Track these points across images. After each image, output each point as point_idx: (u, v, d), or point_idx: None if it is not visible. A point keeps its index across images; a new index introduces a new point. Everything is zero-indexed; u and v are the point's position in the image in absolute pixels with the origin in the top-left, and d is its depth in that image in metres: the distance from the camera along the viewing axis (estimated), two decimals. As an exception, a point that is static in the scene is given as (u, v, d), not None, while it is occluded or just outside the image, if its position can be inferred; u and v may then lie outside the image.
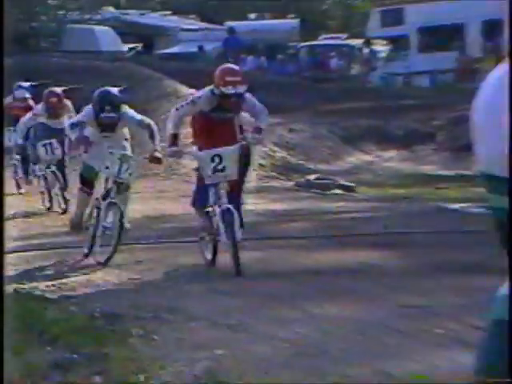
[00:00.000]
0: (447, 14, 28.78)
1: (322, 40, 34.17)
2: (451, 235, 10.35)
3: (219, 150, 8.84)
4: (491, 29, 27.42)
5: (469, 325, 6.33)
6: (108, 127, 9.58)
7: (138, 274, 8.92)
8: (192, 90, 21.79)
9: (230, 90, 8.85)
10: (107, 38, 30.11)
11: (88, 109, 9.70)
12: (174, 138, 9.07)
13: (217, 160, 8.79)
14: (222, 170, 8.80)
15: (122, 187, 9.39)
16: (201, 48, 31.89)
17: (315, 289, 8.00)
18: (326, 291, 7.86)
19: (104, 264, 9.15)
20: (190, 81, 21.17)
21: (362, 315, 7.22)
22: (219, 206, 8.82)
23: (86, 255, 9.52)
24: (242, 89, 8.95)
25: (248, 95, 9.13)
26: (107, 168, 9.32)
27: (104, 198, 9.41)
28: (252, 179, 13.25)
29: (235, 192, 9.10)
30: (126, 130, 9.93)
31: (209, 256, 9.05)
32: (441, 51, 28.68)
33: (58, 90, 14.18)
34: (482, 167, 2.38)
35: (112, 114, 9.39)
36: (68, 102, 14.03)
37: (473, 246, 8.89)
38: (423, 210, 12.73)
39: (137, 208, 11.38)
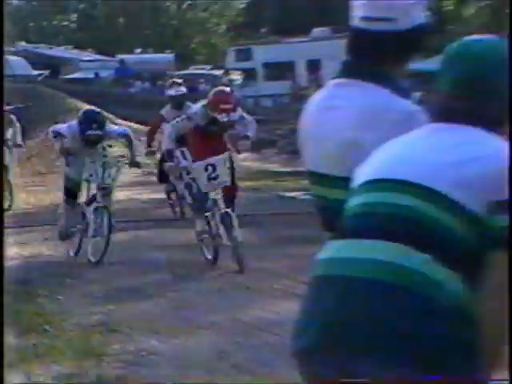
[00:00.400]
0: (283, 53, 30.32)
1: (193, 70, 34.64)
2: (289, 216, 10.46)
3: (211, 160, 7.50)
4: (313, 66, 29.13)
5: (300, 281, 6.41)
6: (91, 143, 7.94)
7: (51, 250, 8.68)
8: (90, 106, 21.56)
9: (223, 117, 7.51)
10: (20, 66, 29.29)
11: (73, 124, 8.06)
12: (170, 154, 7.76)
13: (210, 169, 7.46)
14: (215, 178, 7.47)
15: (106, 192, 7.98)
16: (97, 74, 31.76)
17: (186, 259, 7.96)
18: (194, 261, 7.83)
19: (98, 263, 7.65)
20: (89, 99, 20.84)
21: (223, 277, 7.24)
22: (218, 211, 7.49)
23: (75, 255, 8.03)
24: (235, 116, 7.63)
25: (239, 113, 7.80)
26: (91, 176, 7.90)
27: (88, 204, 8.01)
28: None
29: (230, 195, 7.99)
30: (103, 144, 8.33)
31: (209, 256, 7.65)
32: (279, 80, 29.59)
33: (7, 107, 13.34)
34: (307, 166, 2.45)
35: (99, 132, 7.83)
36: (13, 117, 13.24)
37: (304, 224, 9.00)
38: (269, 197, 12.84)
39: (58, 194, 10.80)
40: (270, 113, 24.83)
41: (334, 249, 2.01)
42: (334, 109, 2.24)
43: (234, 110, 7.66)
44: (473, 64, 1.96)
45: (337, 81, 2.29)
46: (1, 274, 5.47)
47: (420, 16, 2.20)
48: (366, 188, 2.00)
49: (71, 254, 8.12)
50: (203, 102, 7.82)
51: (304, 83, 28.94)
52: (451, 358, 1.82)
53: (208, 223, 7.66)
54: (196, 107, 7.95)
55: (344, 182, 2.14)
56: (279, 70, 30.59)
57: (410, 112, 2.15)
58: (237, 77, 31.31)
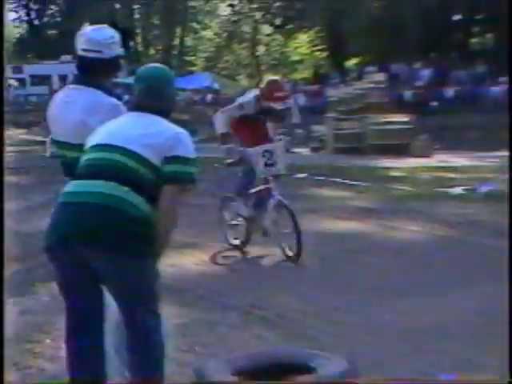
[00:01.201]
0: (43, 70, 28.84)
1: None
2: (43, 168, 8.69)
3: (269, 146, 4.49)
4: (62, 78, 26.87)
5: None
6: None
7: None
8: None
9: (280, 105, 4.42)
10: None
11: None
12: (225, 137, 4.46)
13: (267, 155, 4.44)
14: (272, 164, 4.41)
15: None
16: None
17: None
18: None
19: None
20: None
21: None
22: (272, 198, 4.28)
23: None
24: (290, 103, 4.61)
25: (292, 102, 4.91)
26: None
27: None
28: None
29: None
30: None
31: (234, 241, 4.39)
32: (41, 86, 27.90)
33: None
34: (54, 137, 2.28)
35: None
36: None
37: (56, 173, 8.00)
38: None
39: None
40: (37, 104, 23.45)
41: (72, 186, 2.07)
42: (70, 102, 2.29)
43: (288, 97, 4.70)
44: (151, 80, 2.09)
45: (71, 86, 2.35)
46: None
47: (118, 50, 2.29)
48: (93, 149, 2.07)
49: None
50: (254, 92, 4.66)
51: (57, 88, 27.38)
52: (141, 245, 1.96)
53: (254, 208, 4.47)
54: (248, 97, 4.63)
55: (79, 146, 2.18)
56: (41, 79, 29.57)
57: (116, 105, 2.24)
58: (13, 82, 30.29)
